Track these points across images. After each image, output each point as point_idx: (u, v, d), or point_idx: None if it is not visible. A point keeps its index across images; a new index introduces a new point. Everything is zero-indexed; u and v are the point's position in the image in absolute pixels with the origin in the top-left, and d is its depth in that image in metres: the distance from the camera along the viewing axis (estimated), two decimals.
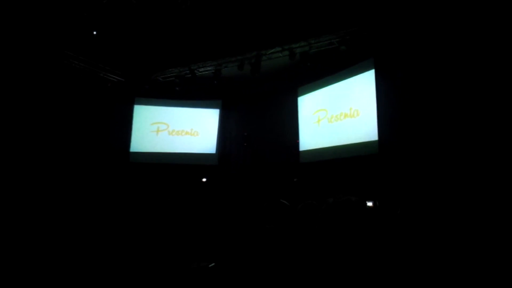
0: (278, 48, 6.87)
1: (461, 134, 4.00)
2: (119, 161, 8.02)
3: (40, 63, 6.71)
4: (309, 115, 7.31)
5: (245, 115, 8.83)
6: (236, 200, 6.15)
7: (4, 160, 5.90)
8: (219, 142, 8.42)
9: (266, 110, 8.48)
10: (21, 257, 3.72)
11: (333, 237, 1.88)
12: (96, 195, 6.40)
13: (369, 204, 5.34)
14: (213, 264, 2.40)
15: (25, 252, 3.89)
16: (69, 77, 7.41)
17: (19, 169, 6.02)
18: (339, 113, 6.55)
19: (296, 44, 6.64)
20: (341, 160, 6.32)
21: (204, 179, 7.40)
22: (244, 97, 8.78)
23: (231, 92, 8.68)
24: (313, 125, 7.17)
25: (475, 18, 4.04)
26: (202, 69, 7.90)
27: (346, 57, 6.29)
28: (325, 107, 6.91)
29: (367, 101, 5.92)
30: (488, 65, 3.90)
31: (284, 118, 8.13)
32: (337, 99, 6.64)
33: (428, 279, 1.75)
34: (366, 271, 1.74)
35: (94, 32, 6.49)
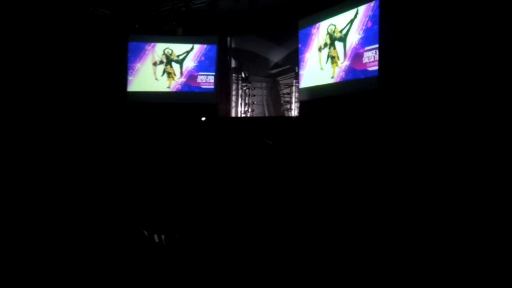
0: None
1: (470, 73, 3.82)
2: (117, 100, 7.91)
3: None
4: (309, 49, 7.03)
5: (243, 52, 8.52)
6: (233, 141, 6.14)
7: None
8: (217, 80, 8.23)
9: (265, 46, 8.16)
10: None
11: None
12: (96, 136, 6.40)
13: None
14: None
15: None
16: (56, 12, 6.99)
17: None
18: (341, 47, 6.29)
19: None
20: (342, 97, 6.20)
21: (203, 118, 7.35)
22: (242, 32, 8.39)
23: (229, 27, 8.27)
24: (313, 61, 6.92)
25: None
26: (197, 1, 7.44)
27: None
28: (326, 41, 6.61)
29: (370, 34, 5.65)
30: None
31: (283, 53, 7.86)
32: (340, 32, 6.32)
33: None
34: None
35: None
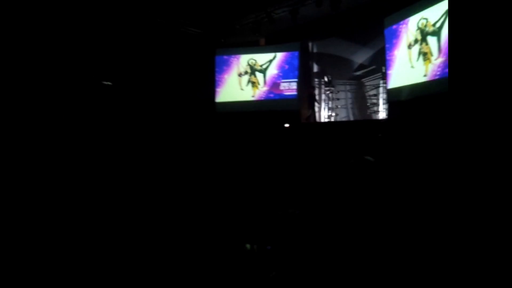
0: None
1: None
2: (206, 111, 8.45)
3: (125, 22, 7.23)
4: (398, 47, 6.61)
5: (326, 56, 8.38)
6: (316, 152, 6.02)
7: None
8: (300, 87, 8.22)
9: (348, 48, 7.91)
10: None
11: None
12: (186, 145, 6.89)
13: None
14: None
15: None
16: (152, 34, 7.82)
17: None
18: (435, 41, 5.79)
19: None
20: (437, 96, 5.68)
21: (286, 125, 7.39)
22: (324, 36, 8.27)
23: (310, 32, 8.23)
24: (403, 59, 6.48)
25: None
26: (278, 11, 7.57)
27: None
28: (417, 37, 6.14)
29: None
30: None
31: (368, 53, 7.52)
32: (432, 26, 5.83)
33: None
34: None
35: None
